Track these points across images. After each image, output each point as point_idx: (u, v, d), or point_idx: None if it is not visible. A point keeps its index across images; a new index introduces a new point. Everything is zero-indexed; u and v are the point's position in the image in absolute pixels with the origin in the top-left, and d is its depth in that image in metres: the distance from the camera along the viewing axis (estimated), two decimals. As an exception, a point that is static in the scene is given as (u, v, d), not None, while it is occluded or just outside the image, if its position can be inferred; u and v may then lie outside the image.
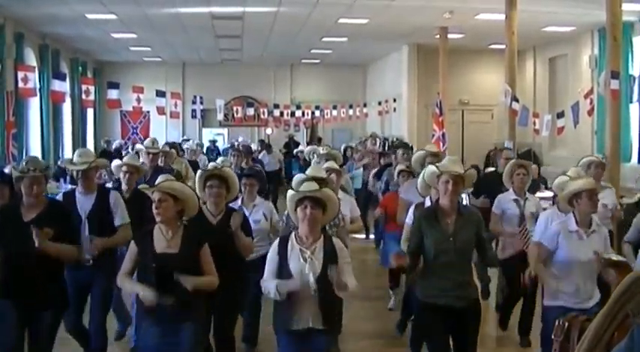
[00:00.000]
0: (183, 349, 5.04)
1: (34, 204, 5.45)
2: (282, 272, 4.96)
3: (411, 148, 13.55)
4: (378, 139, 19.50)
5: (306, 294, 4.89)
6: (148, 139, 11.09)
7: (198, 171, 6.46)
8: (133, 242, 5.31)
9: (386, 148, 18.98)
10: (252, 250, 6.33)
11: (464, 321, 5.37)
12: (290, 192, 5.15)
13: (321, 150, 12.41)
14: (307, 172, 6.66)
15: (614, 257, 5.47)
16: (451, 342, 5.48)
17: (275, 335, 5.19)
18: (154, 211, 5.10)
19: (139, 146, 11.37)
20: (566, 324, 3.63)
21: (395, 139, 21.72)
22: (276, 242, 5.18)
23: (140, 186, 7.01)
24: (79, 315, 6.57)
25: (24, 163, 5.51)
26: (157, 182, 5.44)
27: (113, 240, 6.34)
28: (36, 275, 5.32)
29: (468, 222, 5.42)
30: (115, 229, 6.43)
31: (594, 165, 7.88)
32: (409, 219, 6.42)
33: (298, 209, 5.00)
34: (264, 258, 5.40)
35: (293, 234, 5.08)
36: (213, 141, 23.52)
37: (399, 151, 10.57)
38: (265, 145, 20.38)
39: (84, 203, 6.47)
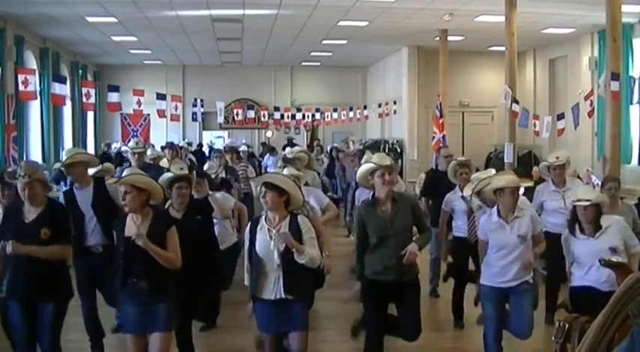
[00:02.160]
0: (159, 326, 5.51)
1: (34, 204, 5.79)
2: (252, 248, 5.70)
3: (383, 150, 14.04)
4: (352, 142, 19.54)
5: (272, 268, 5.59)
6: (133, 140, 11.75)
7: (166, 175, 6.93)
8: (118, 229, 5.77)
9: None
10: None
11: (406, 293, 6.24)
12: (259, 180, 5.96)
13: (288, 153, 12.47)
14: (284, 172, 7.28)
15: (614, 258, 5.50)
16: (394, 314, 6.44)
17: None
18: (122, 202, 5.59)
19: (124, 148, 12.02)
20: (567, 325, 3.63)
21: (395, 141, 21.76)
22: (251, 222, 5.96)
23: (108, 181, 7.32)
24: (92, 300, 7.07)
25: (19, 168, 5.84)
26: (123, 175, 5.85)
27: None
28: (37, 271, 5.69)
29: (403, 206, 6.23)
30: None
31: (552, 168, 8.37)
32: None
33: (266, 194, 5.66)
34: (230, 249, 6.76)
35: (264, 215, 5.77)
36: (200, 146, 23.60)
37: (367, 153, 11.16)
38: (269, 148, 20.38)
39: (83, 197, 6.97)
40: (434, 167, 11.80)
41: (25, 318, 5.78)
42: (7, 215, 5.97)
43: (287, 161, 9.61)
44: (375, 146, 14.87)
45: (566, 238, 6.41)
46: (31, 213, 5.78)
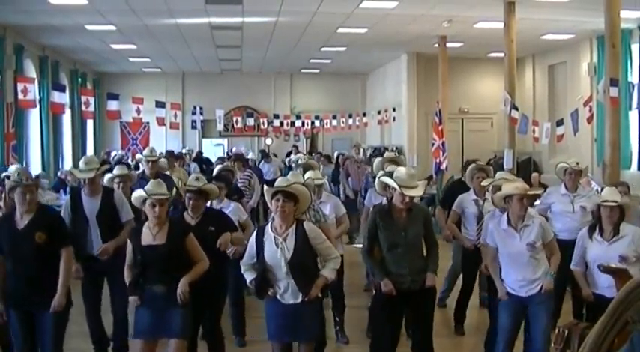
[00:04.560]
0: (174, 332, 5.63)
1: (27, 211, 5.81)
2: (259, 257, 5.71)
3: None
4: (362, 149, 19.59)
5: (281, 276, 5.66)
6: (147, 148, 11.46)
7: (185, 187, 6.88)
8: (128, 239, 5.90)
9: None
10: (244, 241, 6.85)
11: (421, 301, 6.20)
12: (265, 187, 5.93)
13: (299, 160, 12.50)
14: (288, 178, 7.13)
15: (613, 264, 5.50)
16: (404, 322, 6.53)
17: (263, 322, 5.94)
18: (154, 214, 5.69)
19: (138, 156, 11.73)
20: (567, 331, 3.62)
21: (395, 148, 21.74)
22: (256, 230, 5.97)
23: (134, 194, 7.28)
24: (96, 306, 7.17)
25: (15, 174, 5.89)
26: (146, 188, 5.91)
27: (121, 238, 6.81)
28: (37, 280, 5.72)
29: (417, 217, 6.22)
30: (121, 225, 7.06)
31: (568, 171, 8.27)
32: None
33: (272, 201, 5.72)
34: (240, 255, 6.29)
35: (269, 224, 5.81)
36: (200, 153, 23.62)
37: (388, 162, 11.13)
38: (264, 154, 20.41)
39: (90, 204, 7.08)
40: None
41: (24, 327, 5.79)
42: (1, 225, 5.93)
43: (304, 167, 9.64)
44: (380, 154, 14.92)
45: (582, 236, 6.45)
46: (23, 220, 5.80)
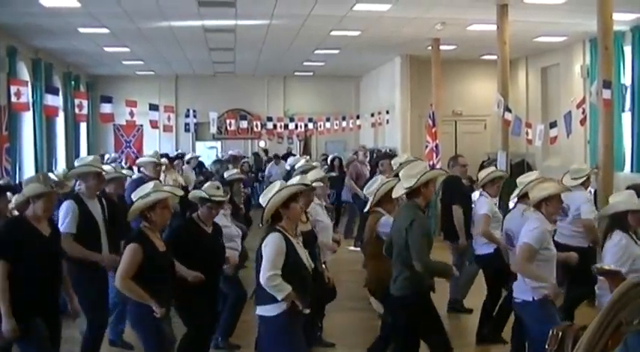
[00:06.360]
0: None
1: (46, 217, 5.66)
2: (296, 262, 5.16)
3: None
4: (367, 151, 19.60)
5: (308, 282, 5.25)
6: (153, 152, 11.36)
7: (205, 194, 6.63)
8: (138, 246, 5.44)
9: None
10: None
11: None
12: (293, 187, 5.38)
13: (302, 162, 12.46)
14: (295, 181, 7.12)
15: (607, 266, 5.50)
16: None
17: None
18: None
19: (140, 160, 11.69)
20: (560, 333, 3.62)
21: (388, 150, 21.74)
22: (277, 236, 5.20)
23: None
24: (107, 316, 7.15)
25: (41, 178, 5.63)
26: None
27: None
28: (56, 283, 5.65)
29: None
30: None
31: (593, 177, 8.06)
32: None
33: (293, 203, 5.25)
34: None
35: (281, 228, 5.26)
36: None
37: (385, 161, 11.15)
38: (274, 156, 20.34)
39: (95, 208, 6.91)
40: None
41: (46, 333, 5.52)
42: (16, 230, 5.51)
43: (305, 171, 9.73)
44: (388, 155, 14.92)
45: (628, 245, 5.90)
46: (44, 226, 5.57)
